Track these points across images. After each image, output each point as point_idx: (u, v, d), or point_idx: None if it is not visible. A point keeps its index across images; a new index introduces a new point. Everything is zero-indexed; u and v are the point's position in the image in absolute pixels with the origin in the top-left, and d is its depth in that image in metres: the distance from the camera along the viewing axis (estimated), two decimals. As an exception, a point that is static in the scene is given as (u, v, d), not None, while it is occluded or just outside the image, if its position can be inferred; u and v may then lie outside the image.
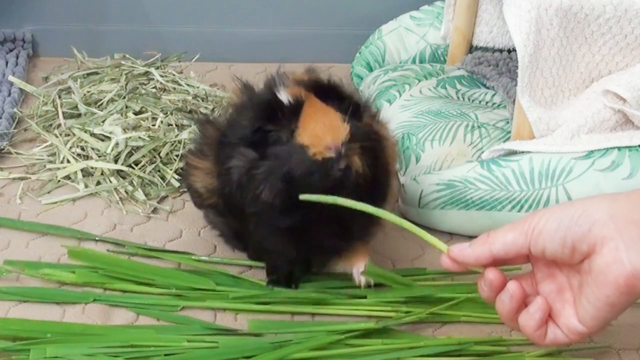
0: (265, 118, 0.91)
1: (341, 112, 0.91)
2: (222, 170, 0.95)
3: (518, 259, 0.81)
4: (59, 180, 1.22)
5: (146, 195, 1.20)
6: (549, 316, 0.79)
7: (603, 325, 0.77)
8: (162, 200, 1.21)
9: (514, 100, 1.20)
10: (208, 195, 0.99)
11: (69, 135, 1.29)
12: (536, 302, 0.79)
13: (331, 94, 0.94)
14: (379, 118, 1.02)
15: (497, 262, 0.80)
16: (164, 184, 1.23)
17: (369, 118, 0.99)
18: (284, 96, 0.91)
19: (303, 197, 0.83)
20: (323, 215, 0.90)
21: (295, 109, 0.90)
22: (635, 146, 1.15)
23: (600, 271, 0.73)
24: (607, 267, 0.73)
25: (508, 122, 1.26)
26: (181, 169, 1.15)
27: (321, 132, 0.88)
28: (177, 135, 1.30)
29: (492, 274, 0.79)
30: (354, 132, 0.89)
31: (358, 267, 0.99)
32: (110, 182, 1.21)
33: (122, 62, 1.53)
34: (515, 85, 1.16)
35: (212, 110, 1.41)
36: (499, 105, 1.32)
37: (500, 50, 1.48)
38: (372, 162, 0.91)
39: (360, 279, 0.99)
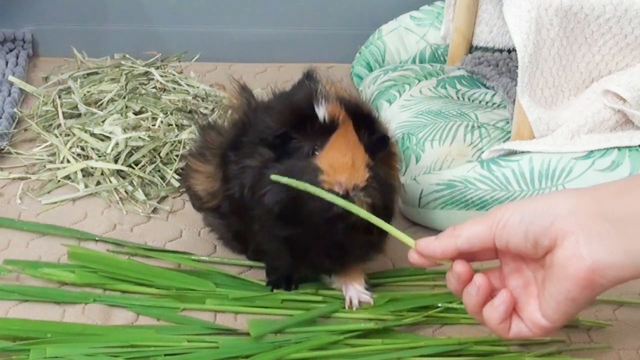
0: (294, 125, 0.90)
1: (369, 146, 0.90)
2: (234, 170, 0.94)
3: (485, 253, 0.81)
4: (59, 180, 1.22)
5: (146, 195, 1.20)
6: (514, 310, 0.80)
7: (565, 319, 0.77)
8: (162, 200, 1.21)
9: (514, 100, 1.20)
10: (208, 199, 0.99)
11: (69, 135, 1.29)
12: (501, 295, 0.79)
13: (366, 123, 0.92)
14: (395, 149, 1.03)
15: (463, 256, 0.80)
16: (164, 184, 1.23)
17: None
18: (321, 112, 0.89)
19: (274, 177, 0.84)
20: (321, 235, 0.90)
21: (327, 129, 0.89)
22: (635, 146, 1.15)
23: (561, 265, 0.73)
24: (568, 261, 0.73)
25: (508, 122, 1.26)
26: (181, 169, 1.15)
27: (340, 167, 0.87)
28: (177, 135, 1.30)
29: (460, 267, 0.79)
30: (372, 183, 0.88)
31: (351, 291, 1.00)
32: (110, 182, 1.21)
33: (122, 62, 1.53)
34: (515, 85, 1.16)
35: (212, 110, 1.41)
36: (499, 105, 1.32)
37: (500, 50, 1.48)
38: (376, 212, 0.90)
39: (353, 302, 0.99)
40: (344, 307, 0.99)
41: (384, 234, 0.95)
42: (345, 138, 0.89)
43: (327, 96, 0.91)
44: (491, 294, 0.80)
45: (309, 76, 1.07)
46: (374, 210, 0.87)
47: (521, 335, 0.79)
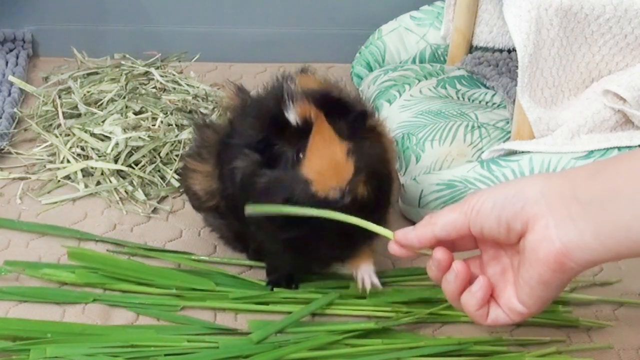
0: (271, 131, 0.90)
1: (349, 128, 0.90)
2: (226, 171, 0.94)
3: (464, 241, 0.81)
4: (59, 180, 1.22)
5: (146, 195, 1.20)
6: (492, 297, 0.80)
7: (541, 304, 0.76)
8: (162, 200, 1.21)
9: (514, 100, 1.20)
10: (207, 198, 0.99)
11: (69, 135, 1.29)
12: (478, 281, 0.79)
13: (339, 109, 0.92)
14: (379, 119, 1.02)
15: (442, 244, 0.80)
16: (164, 184, 1.23)
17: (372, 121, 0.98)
18: (292, 116, 0.89)
19: (249, 209, 0.84)
20: (324, 229, 0.89)
21: (303, 130, 0.89)
22: (635, 146, 1.15)
23: (531, 249, 0.73)
24: (538, 245, 0.72)
25: (508, 122, 1.26)
26: (180, 169, 1.15)
27: (327, 170, 0.87)
28: (177, 135, 1.30)
29: (440, 254, 0.79)
30: (359, 163, 0.88)
31: (362, 270, 0.99)
32: (110, 182, 1.21)
33: (122, 62, 1.53)
34: (515, 85, 1.16)
35: (212, 110, 1.41)
36: (499, 105, 1.32)
37: (500, 50, 1.48)
38: (376, 184, 0.91)
39: (365, 283, 0.99)
40: (358, 290, 0.99)
41: (386, 205, 0.97)
42: (322, 137, 0.88)
43: (294, 97, 0.90)
44: (470, 282, 0.80)
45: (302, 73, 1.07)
46: (379, 183, 0.89)
47: (499, 322, 0.79)
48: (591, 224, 0.71)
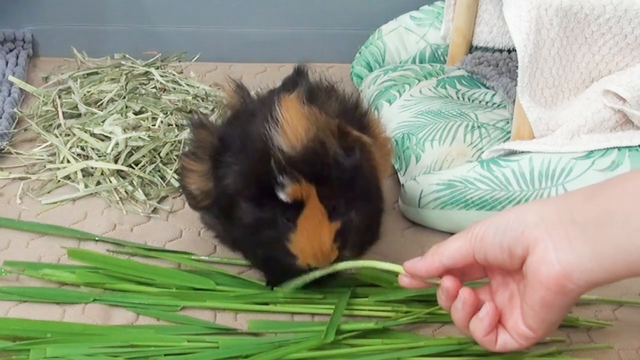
0: (260, 194, 0.90)
1: (343, 181, 0.90)
2: (219, 185, 0.95)
3: (471, 269, 0.83)
4: (59, 180, 1.22)
5: (146, 195, 1.20)
6: (500, 323, 0.81)
7: (547, 327, 0.78)
8: (162, 200, 1.21)
9: (514, 100, 1.20)
10: (202, 197, 0.99)
11: (69, 135, 1.29)
12: (485, 307, 0.80)
13: (330, 167, 0.90)
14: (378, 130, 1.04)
15: (451, 273, 0.82)
16: (164, 184, 1.23)
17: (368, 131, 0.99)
18: (283, 196, 0.88)
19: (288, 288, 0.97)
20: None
21: (294, 208, 0.89)
22: (635, 146, 1.15)
23: (532, 272, 0.75)
24: (538, 268, 0.74)
25: (508, 122, 1.26)
26: (179, 168, 1.15)
27: (313, 253, 0.90)
28: (177, 135, 1.30)
29: (448, 282, 0.82)
30: (345, 244, 0.91)
31: None
32: (110, 182, 1.21)
33: (122, 62, 1.53)
34: (515, 85, 1.16)
35: (212, 110, 1.41)
36: (499, 105, 1.32)
37: (500, 50, 1.48)
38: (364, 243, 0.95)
39: None
40: None
41: (377, 226, 0.99)
42: (312, 219, 0.89)
43: (283, 171, 0.87)
44: (478, 308, 0.81)
45: (299, 72, 1.07)
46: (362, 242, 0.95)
47: (507, 347, 0.80)
48: (588, 245, 0.72)
